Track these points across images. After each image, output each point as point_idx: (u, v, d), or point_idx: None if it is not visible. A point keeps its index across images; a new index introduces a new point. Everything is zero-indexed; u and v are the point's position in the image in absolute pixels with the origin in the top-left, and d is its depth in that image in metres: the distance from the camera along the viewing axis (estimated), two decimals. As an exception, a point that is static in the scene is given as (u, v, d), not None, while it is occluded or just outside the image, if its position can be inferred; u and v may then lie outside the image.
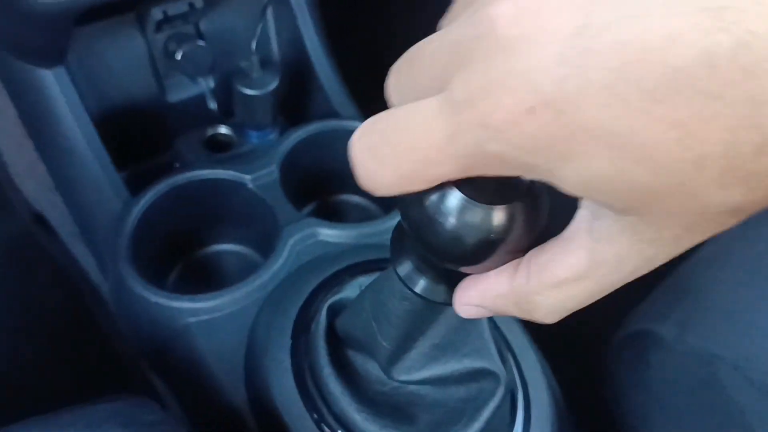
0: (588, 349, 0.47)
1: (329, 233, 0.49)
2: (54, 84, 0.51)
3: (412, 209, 0.23)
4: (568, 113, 0.15)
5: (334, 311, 0.39)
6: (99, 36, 0.55)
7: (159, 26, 0.57)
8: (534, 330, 0.43)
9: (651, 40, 0.14)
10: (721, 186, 0.15)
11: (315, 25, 0.61)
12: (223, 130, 0.61)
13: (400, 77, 0.21)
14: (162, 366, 0.49)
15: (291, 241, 0.49)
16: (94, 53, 0.56)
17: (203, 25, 0.59)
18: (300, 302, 0.42)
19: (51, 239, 0.71)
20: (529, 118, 0.16)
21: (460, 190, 0.21)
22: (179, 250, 0.56)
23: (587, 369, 0.46)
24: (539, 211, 0.22)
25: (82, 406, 0.33)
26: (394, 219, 0.51)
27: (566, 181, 0.17)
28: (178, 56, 0.56)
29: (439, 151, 0.18)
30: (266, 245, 0.51)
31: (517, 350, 0.41)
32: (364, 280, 0.41)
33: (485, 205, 0.21)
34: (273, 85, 0.56)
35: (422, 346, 0.35)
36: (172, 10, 0.55)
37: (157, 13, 0.55)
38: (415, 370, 0.35)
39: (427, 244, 0.23)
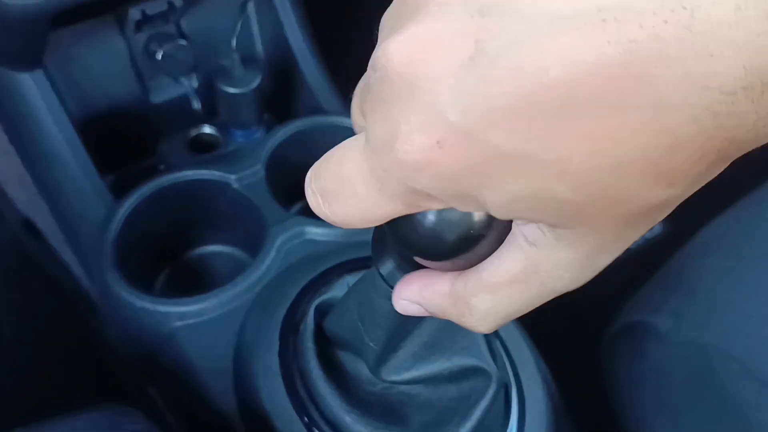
0: (583, 342, 0.46)
1: (317, 232, 0.49)
2: (33, 88, 0.51)
3: (426, 241, 0.22)
4: (478, 140, 0.16)
5: (322, 311, 0.39)
6: (78, 38, 0.55)
7: (138, 26, 0.56)
8: (528, 324, 0.43)
9: (544, 60, 0.14)
10: (643, 188, 0.16)
11: (298, 20, 0.60)
12: (208, 130, 0.61)
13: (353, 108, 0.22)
14: (151, 372, 0.48)
15: (278, 241, 0.48)
16: (73, 56, 0.55)
17: (184, 24, 0.58)
18: (287, 303, 0.41)
19: (41, 246, 0.70)
20: (441, 152, 0.16)
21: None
22: (166, 254, 0.56)
23: (582, 362, 0.46)
24: None
25: (64, 417, 0.32)
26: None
27: (493, 207, 0.17)
28: (159, 56, 0.55)
29: (374, 196, 0.19)
30: (254, 245, 0.50)
31: (510, 345, 0.41)
32: (351, 279, 0.40)
33: None
34: (255, 82, 0.55)
35: (411, 345, 0.34)
36: (151, 9, 0.54)
37: (135, 13, 0.54)
38: (404, 370, 0.34)
39: (407, 242, 0.22)
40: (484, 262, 0.21)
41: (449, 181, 0.17)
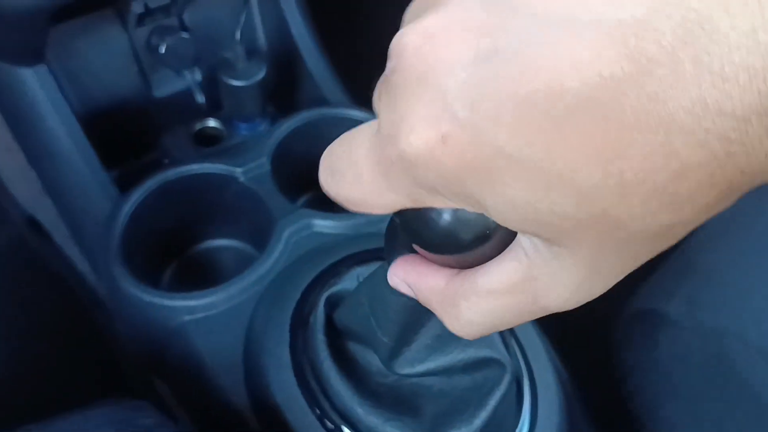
0: (595, 330, 0.46)
1: (324, 224, 0.48)
2: (36, 83, 0.50)
3: (428, 232, 0.22)
4: (482, 138, 0.15)
5: (332, 303, 0.38)
6: (79, 33, 0.54)
7: (140, 20, 0.55)
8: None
9: (559, 67, 0.14)
10: (646, 212, 0.15)
11: (301, 11, 0.60)
12: (212, 123, 0.60)
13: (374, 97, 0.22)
14: (160, 367, 0.48)
15: (285, 234, 0.48)
16: (75, 51, 0.55)
17: (187, 17, 0.58)
18: (297, 296, 0.41)
19: (45, 243, 0.70)
20: (444, 146, 0.16)
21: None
22: (172, 248, 0.55)
23: (594, 351, 0.46)
24: None
25: (76, 412, 0.32)
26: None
27: (493, 210, 0.17)
28: (162, 50, 0.54)
29: (378, 185, 0.19)
30: (261, 239, 0.50)
31: (521, 336, 0.40)
32: (361, 271, 0.40)
33: None
34: (260, 75, 0.55)
35: (424, 337, 0.34)
36: (153, 2, 0.54)
37: (137, 7, 0.54)
38: (418, 363, 0.34)
39: (410, 229, 0.22)
40: (482, 266, 0.20)
41: (451, 178, 0.16)
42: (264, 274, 0.45)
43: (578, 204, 0.15)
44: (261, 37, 0.61)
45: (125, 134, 0.58)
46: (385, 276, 0.29)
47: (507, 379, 0.34)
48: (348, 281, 0.40)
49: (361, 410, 0.35)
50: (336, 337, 0.38)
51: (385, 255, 0.28)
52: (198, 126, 0.60)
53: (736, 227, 0.37)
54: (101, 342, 0.66)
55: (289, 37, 0.60)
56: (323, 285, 0.40)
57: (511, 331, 0.40)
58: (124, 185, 0.52)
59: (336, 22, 0.65)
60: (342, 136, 0.21)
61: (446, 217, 0.20)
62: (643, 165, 0.14)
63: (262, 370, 0.39)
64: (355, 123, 0.61)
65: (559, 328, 0.43)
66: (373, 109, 0.21)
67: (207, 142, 0.60)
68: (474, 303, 0.20)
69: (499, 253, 0.20)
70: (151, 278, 0.50)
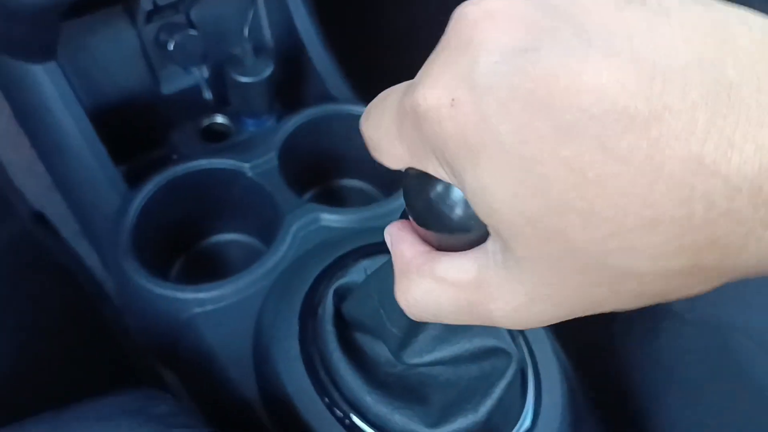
0: (597, 322, 0.46)
1: (331, 218, 0.49)
2: (46, 79, 0.51)
3: (417, 201, 0.22)
4: (486, 117, 0.16)
5: (340, 295, 0.39)
6: (88, 30, 0.55)
7: (149, 17, 0.56)
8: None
9: (578, 83, 0.14)
10: (604, 249, 0.15)
11: (307, 9, 0.61)
12: (220, 119, 0.61)
13: None
14: (170, 358, 0.49)
15: (293, 228, 0.48)
16: (84, 48, 0.55)
17: (194, 14, 0.58)
18: (305, 288, 0.42)
19: (53, 238, 0.71)
20: (450, 109, 0.16)
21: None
22: (181, 243, 0.56)
23: (597, 342, 0.46)
24: None
25: (92, 400, 0.33)
26: (395, 202, 0.51)
27: (469, 189, 0.17)
28: (170, 46, 0.55)
29: (392, 132, 0.19)
30: (268, 233, 0.51)
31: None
32: (368, 264, 0.41)
33: None
34: (268, 71, 0.55)
35: (432, 329, 0.34)
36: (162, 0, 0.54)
37: (147, 4, 0.54)
38: (426, 353, 0.35)
39: (410, 208, 0.22)
40: (449, 253, 0.20)
41: (446, 143, 0.17)
42: (272, 267, 0.46)
43: (543, 214, 0.16)
44: (267, 34, 0.62)
45: (134, 130, 0.58)
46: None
47: (512, 368, 0.35)
48: (355, 274, 0.40)
49: (370, 399, 0.36)
50: (344, 328, 0.38)
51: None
52: (206, 122, 0.61)
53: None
54: (109, 335, 0.67)
55: (295, 34, 0.61)
56: (331, 277, 0.41)
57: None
58: (133, 180, 0.52)
59: (341, 19, 0.66)
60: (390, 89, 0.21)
61: (435, 192, 0.20)
62: (618, 201, 0.14)
63: (272, 361, 0.40)
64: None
65: (563, 321, 0.43)
66: None
67: (215, 137, 0.60)
68: (424, 284, 0.20)
69: (472, 247, 0.20)
70: (159, 272, 0.50)
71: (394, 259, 0.22)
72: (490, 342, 0.35)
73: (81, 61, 0.55)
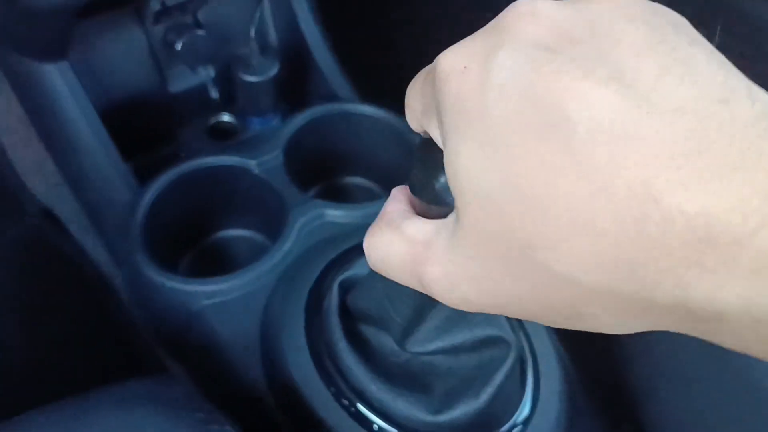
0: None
1: (336, 214, 0.50)
2: (58, 78, 0.52)
3: (414, 169, 0.23)
4: (484, 91, 0.16)
5: (345, 288, 0.40)
6: (98, 30, 0.56)
7: (157, 17, 0.57)
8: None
9: (573, 90, 0.15)
10: (555, 237, 0.16)
11: (311, 10, 0.62)
12: (226, 117, 0.62)
13: None
14: (179, 350, 0.50)
15: (299, 223, 0.50)
16: (94, 47, 0.57)
17: (201, 15, 0.60)
18: (311, 281, 0.43)
19: (61, 234, 0.72)
20: (459, 75, 0.17)
21: None
22: (188, 238, 0.57)
23: (594, 337, 0.48)
24: None
25: (107, 387, 0.34)
26: (398, 198, 0.52)
27: (447, 150, 0.18)
28: (178, 46, 0.56)
29: (418, 89, 0.20)
30: (274, 229, 0.52)
31: (526, 321, 0.42)
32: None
33: None
34: (273, 71, 0.56)
35: (434, 319, 0.36)
36: (171, 0, 0.56)
37: (155, 5, 0.56)
38: (429, 342, 0.36)
39: (410, 174, 0.23)
40: (420, 218, 0.21)
41: (445, 104, 0.18)
42: (278, 261, 0.48)
43: (497, 192, 0.16)
44: (272, 35, 0.63)
45: (142, 128, 0.60)
46: None
47: (512, 356, 0.36)
48: (359, 267, 0.42)
49: (374, 387, 0.37)
50: (349, 320, 0.40)
51: None
52: (213, 120, 0.62)
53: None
54: (115, 329, 0.68)
55: (300, 35, 0.62)
56: (336, 271, 0.42)
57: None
58: (142, 177, 0.54)
59: (344, 21, 0.67)
60: None
61: (428, 162, 0.22)
62: (562, 200, 0.15)
63: (279, 351, 0.41)
64: (364, 118, 0.63)
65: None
66: None
67: (221, 135, 0.62)
68: (387, 233, 0.21)
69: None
70: (168, 266, 0.52)
71: (382, 211, 0.24)
72: (489, 331, 0.36)
73: (91, 61, 0.56)
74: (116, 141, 0.55)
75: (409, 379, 0.38)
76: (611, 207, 0.15)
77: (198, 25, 0.59)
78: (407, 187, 0.24)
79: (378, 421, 0.37)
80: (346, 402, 0.38)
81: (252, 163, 0.53)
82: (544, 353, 0.42)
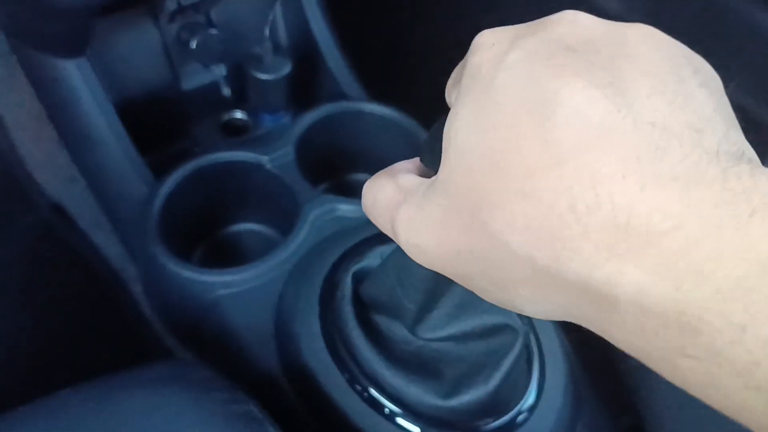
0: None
1: (347, 208, 0.52)
2: (77, 74, 0.54)
3: (425, 157, 0.25)
4: (499, 67, 0.18)
5: (358, 278, 0.42)
6: (114, 28, 0.58)
7: (172, 16, 0.59)
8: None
9: (573, 89, 0.16)
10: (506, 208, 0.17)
11: (322, 11, 0.63)
12: (239, 114, 0.64)
13: None
14: (194, 339, 0.51)
15: (311, 217, 0.51)
16: (110, 45, 0.58)
17: (214, 14, 0.61)
18: (325, 271, 0.44)
19: (71, 229, 0.73)
20: (487, 48, 0.19)
21: None
22: (201, 231, 0.59)
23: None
24: None
25: (132, 369, 0.35)
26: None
27: (449, 113, 0.19)
28: (193, 45, 0.58)
29: (460, 63, 0.22)
30: (285, 223, 0.53)
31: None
32: (383, 249, 0.44)
33: None
34: (286, 69, 0.58)
35: (444, 306, 0.37)
36: (186, 0, 0.57)
37: (171, 4, 0.57)
38: (439, 329, 0.37)
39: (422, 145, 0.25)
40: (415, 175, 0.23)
41: (467, 68, 0.19)
42: (291, 253, 0.49)
43: (479, 152, 0.18)
44: (283, 35, 0.65)
45: (157, 123, 0.61)
46: None
47: (519, 342, 0.38)
48: (372, 259, 0.43)
49: (387, 373, 0.39)
50: (362, 309, 0.41)
51: None
52: (225, 117, 0.64)
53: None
54: (124, 321, 0.69)
55: (310, 35, 0.64)
56: (349, 262, 0.43)
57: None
58: (157, 171, 0.55)
59: (354, 21, 0.69)
60: None
61: (440, 130, 0.23)
62: (528, 178, 0.17)
63: (295, 339, 0.42)
64: (373, 117, 0.65)
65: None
66: None
67: (234, 132, 0.63)
68: (383, 178, 0.23)
69: None
70: (182, 258, 0.53)
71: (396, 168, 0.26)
72: (498, 319, 0.38)
73: (107, 58, 0.58)
74: (131, 136, 0.56)
75: (420, 365, 0.39)
76: (555, 183, 0.16)
77: (211, 24, 0.61)
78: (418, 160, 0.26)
79: (390, 405, 0.39)
80: (359, 387, 0.39)
81: (265, 159, 0.54)
82: (549, 344, 0.44)
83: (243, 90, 0.61)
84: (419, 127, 0.57)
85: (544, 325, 0.44)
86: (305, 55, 0.64)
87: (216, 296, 0.47)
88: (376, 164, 0.63)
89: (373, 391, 0.39)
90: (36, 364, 0.63)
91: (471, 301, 0.38)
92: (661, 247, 0.15)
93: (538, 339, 0.44)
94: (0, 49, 0.74)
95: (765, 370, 0.14)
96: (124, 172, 0.55)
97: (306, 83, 0.65)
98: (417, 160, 0.26)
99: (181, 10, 0.58)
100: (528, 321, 0.44)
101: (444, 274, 0.21)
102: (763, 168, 0.15)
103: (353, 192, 0.64)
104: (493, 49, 0.19)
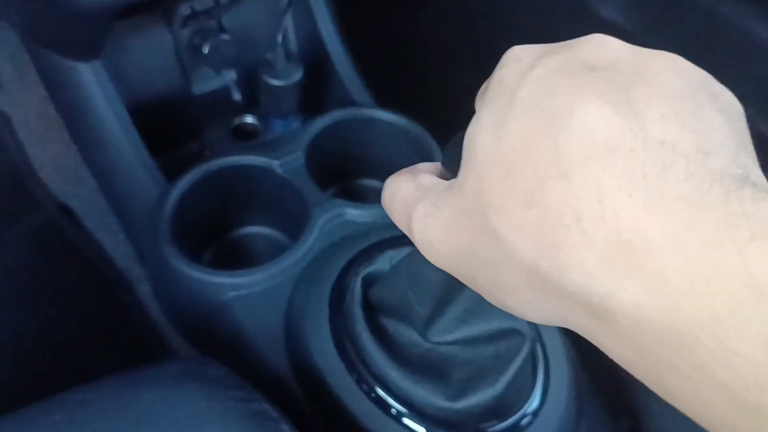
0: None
1: (356, 213, 0.53)
2: (91, 77, 0.54)
3: (447, 162, 0.26)
4: (523, 81, 0.19)
5: (368, 282, 0.42)
6: (128, 32, 0.58)
7: (185, 22, 0.60)
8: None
9: (590, 107, 0.17)
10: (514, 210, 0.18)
11: (332, 18, 0.64)
12: (249, 119, 0.65)
13: None
14: (204, 340, 0.52)
15: (320, 221, 0.52)
16: (123, 48, 0.59)
17: (225, 20, 0.62)
18: (335, 275, 0.45)
19: (77, 229, 0.74)
20: (514, 63, 0.20)
21: None
22: (210, 234, 0.60)
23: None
24: None
25: (147, 367, 0.36)
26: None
27: (472, 121, 0.20)
28: (205, 50, 0.59)
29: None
30: (294, 227, 0.54)
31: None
32: (393, 254, 0.44)
33: None
34: (298, 75, 0.59)
35: (454, 311, 0.38)
36: (199, 5, 0.58)
37: (184, 9, 0.58)
38: (449, 332, 0.38)
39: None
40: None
41: (494, 80, 0.20)
42: (301, 256, 0.50)
43: (490, 152, 0.18)
44: (293, 41, 0.66)
45: (168, 127, 0.62)
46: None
47: (526, 347, 0.39)
48: (381, 263, 0.44)
49: (395, 374, 0.40)
50: (371, 312, 0.42)
51: None
52: (236, 121, 0.64)
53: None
54: (129, 322, 0.70)
55: (320, 42, 0.65)
56: (359, 265, 0.44)
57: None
58: (168, 174, 0.56)
59: (363, 29, 0.70)
60: None
61: (459, 139, 0.24)
62: (538, 187, 0.17)
63: (304, 341, 0.43)
64: (382, 124, 0.66)
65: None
66: None
67: (244, 136, 0.64)
68: (404, 175, 0.24)
69: None
70: (192, 260, 0.54)
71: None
72: (506, 323, 0.39)
73: (120, 61, 0.59)
74: (143, 139, 0.57)
75: (427, 368, 0.40)
76: (563, 194, 0.17)
77: (222, 29, 0.62)
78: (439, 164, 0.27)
79: (397, 406, 0.39)
80: (366, 388, 0.40)
81: (275, 163, 0.55)
82: (554, 349, 0.45)
83: (254, 95, 0.62)
84: (426, 134, 0.58)
85: (549, 330, 0.45)
86: (315, 61, 0.65)
87: (226, 298, 0.48)
88: (383, 170, 0.64)
89: (381, 392, 0.40)
90: (40, 364, 0.63)
91: (481, 306, 0.39)
92: (661, 265, 0.15)
93: (543, 344, 0.45)
94: (10, 50, 0.75)
95: (756, 396, 0.14)
96: (136, 174, 0.55)
97: (315, 89, 0.66)
98: (438, 164, 0.27)
99: (194, 15, 0.59)
100: (534, 326, 0.45)
101: (451, 273, 0.22)
102: (766, 193, 0.15)
103: (361, 197, 0.65)
104: (519, 64, 0.20)
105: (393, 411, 0.40)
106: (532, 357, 0.43)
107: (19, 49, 0.73)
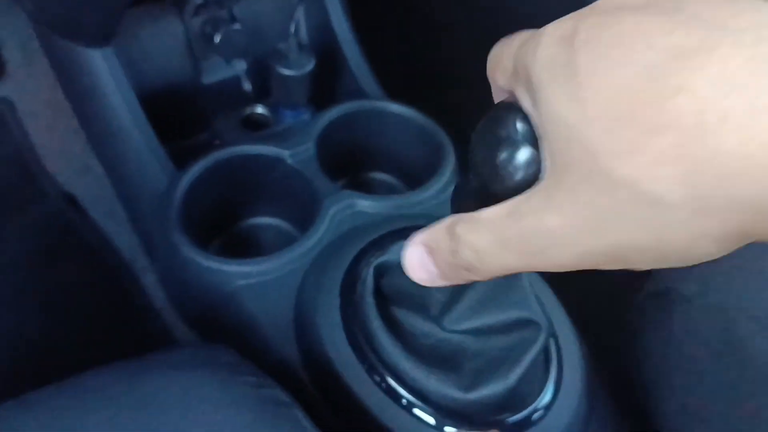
0: (613, 305, 0.50)
1: (366, 204, 0.53)
2: (102, 64, 0.54)
3: (483, 167, 0.25)
4: (576, 58, 0.19)
5: (380, 272, 0.42)
6: (139, 20, 0.58)
7: (196, 10, 0.59)
8: (562, 292, 0.47)
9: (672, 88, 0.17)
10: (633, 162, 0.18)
11: (343, 9, 0.64)
12: (260, 109, 0.64)
13: None
14: (213, 328, 0.52)
15: (331, 212, 0.52)
16: (134, 36, 0.59)
17: (237, 10, 0.62)
18: (346, 264, 0.45)
19: (82, 218, 0.73)
20: (552, 32, 0.20)
21: (531, 146, 0.23)
22: (218, 223, 0.59)
23: (612, 331, 0.50)
24: None
25: (158, 353, 0.36)
26: (424, 193, 0.54)
27: (538, 104, 0.20)
28: (217, 39, 0.58)
29: (515, 42, 0.23)
30: (303, 217, 0.54)
31: (547, 306, 0.45)
32: (405, 244, 0.44)
33: None
34: (310, 66, 0.59)
35: (469, 299, 0.38)
36: (212, -6, 0.58)
37: (197, -2, 0.58)
38: (464, 321, 0.38)
39: (495, 194, 0.26)
40: None
41: (540, 61, 0.20)
42: (311, 246, 0.50)
43: (581, 119, 0.18)
44: (304, 32, 0.66)
45: (178, 115, 0.61)
46: None
47: (542, 338, 0.38)
48: (393, 253, 0.44)
49: (407, 365, 0.39)
50: (382, 302, 0.42)
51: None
52: (246, 111, 0.64)
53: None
54: (134, 311, 0.70)
55: (331, 33, 0.64)
56: (371, 255, 0.44)
57: (540, 302, 0.45)
58: (177, 162, 0.56)
59: (374, 21, 0.69)
60: None
61: (492, 138, 0.23)
62: (642, 129, 0.17)
63: (315, 330, 0.43)
64: (393, 116, 0.66)
65: (582, 305, 0.47)
66: None
67: (254, 126, 0.64)
68: (464, 227, 0.24)
69: None
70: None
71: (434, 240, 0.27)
72: (521, 314, 0.38)
73: (131, 49, 0.58)
74: (153, 127, 0.57)
75: (439, 358, 0.40)
76: (691, 103, 0.16)
77: (233, 19, 0.61)
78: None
79: (407, 396, 0.39)
80: (377, 377, 0.40)
81: (286, 153, 0.55)
82: (567, 344, 0.44)
83: (264, 85, 0.62)
84: (438, 128, 0.58)
85: (562, 325, 0.45)
86: (326, 53, 0.65)
87: (235, 287, 0.48)
88: (392, 163, 0.65)
89: (392, 381, 0.40)
90: (44, 353, 0.63)
91: (496, 296, 0.38)
92: None
93: (556, 338, 0.44)
94: (20, 38, 0.74)
95: None
96: (146, 161, 0.55)
97: (326, 81, 0.66)
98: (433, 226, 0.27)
99: (205, 4, 0.59)
100: (549, 318, 0.44)
101: (592, 264, 0.20)
102: None
103: (371, 190, 0.64)
104: (556, 35, 0.20)
105: (404, 401, 0.39)
106: (546, 350, 0.42)
107: (29, 37, 0.73)
